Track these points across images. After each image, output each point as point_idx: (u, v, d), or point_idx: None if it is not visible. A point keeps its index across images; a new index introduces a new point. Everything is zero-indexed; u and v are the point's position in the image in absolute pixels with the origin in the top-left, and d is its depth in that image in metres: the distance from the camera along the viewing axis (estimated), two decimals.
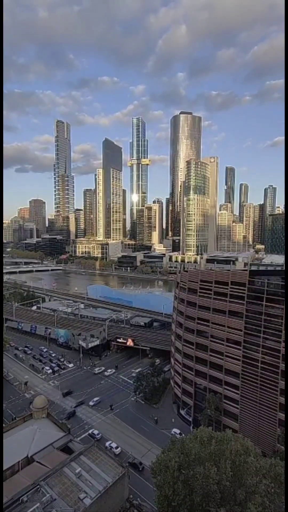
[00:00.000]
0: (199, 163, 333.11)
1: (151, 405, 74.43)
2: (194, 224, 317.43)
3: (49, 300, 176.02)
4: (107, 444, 59.80)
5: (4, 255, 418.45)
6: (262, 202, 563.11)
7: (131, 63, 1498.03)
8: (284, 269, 73.84)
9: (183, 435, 59.29)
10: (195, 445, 37.80)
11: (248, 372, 57.78)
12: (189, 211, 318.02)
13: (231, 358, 60.61)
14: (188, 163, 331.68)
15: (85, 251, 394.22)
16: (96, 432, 63.92)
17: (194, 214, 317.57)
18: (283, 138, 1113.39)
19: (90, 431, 64.37)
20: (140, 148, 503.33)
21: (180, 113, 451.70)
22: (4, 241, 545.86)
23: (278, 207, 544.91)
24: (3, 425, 61.17)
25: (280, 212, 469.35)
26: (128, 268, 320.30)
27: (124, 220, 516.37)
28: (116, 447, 59.24)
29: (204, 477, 34.11)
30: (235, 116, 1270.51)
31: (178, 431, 64.26)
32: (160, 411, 72.61)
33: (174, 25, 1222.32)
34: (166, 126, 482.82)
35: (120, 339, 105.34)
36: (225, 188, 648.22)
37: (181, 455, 37.61)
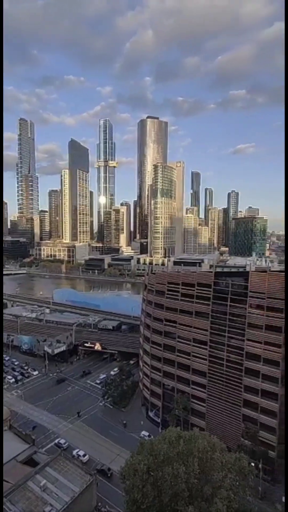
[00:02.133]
0: (166, 167, 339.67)
1: (120, 409, 73.75)
2: (161, 226, 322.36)
3: (12, 306, 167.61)
4: (74, 452, 58.02)
5: None
6: (225, 206, 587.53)
7: (98, 64, 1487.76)
8: (245, 270, 77.42)
9: (152, 437, 59.46)
10: (163, 446, 38.05)
11: (214, 371, 59.65)
12: (156, 214, 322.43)
13: (198, 358, 62.17)
14: (155, 166, 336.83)
15: (51, 254, 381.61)
16: (62, 441, 61.76)
17: (162, 217, 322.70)
18: (244, 146, 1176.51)
19: (56, 441, 62.07)
20: (108, 150, 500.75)
21: (147, 118, 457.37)
22: None
23: (241, 211, 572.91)
24: None
25: (243, 216, 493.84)
26: (96, 271, 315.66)
27: (92, 222, 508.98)
28: (84, 455, 57.70)
29: (173, 477, 34.44)
30: (200, 122, 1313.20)
31: (147, 433, 64.25)
32: (129, 414, 72.16)
33: (141, 29, 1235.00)
34: (133, 129, 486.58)
35: (87, 343, 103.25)
36: (191, 192, 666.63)
37: (150, 457, 37.61)
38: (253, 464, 42.90)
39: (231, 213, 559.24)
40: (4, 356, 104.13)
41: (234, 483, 35.28)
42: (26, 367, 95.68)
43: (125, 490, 37.31)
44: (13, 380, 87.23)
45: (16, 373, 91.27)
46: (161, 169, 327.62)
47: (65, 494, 38.85)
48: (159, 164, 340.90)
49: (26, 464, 47.04)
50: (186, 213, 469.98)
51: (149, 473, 36.38)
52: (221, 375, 58.63)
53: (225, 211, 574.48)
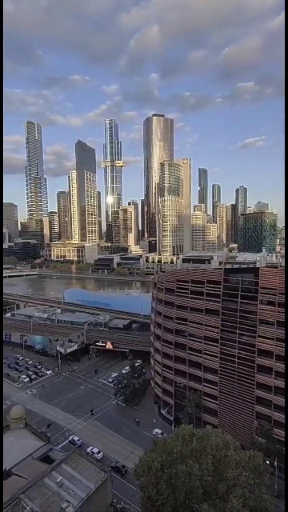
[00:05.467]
0: (172, 165, 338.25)
1: (132, 407, 74.26)
2: (169, 225, 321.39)
3: (24, 307, 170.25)
4: (88, 450, 58.84)
5: None
6: (234, 203, 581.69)
7: (102, 62, 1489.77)
8: (255, 266, 76.58)
9: (165, 434, 59.76)
10: (177, 443, 38.22)
11: (225, 368, 59.39)
12: (164, 212, 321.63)
13: (209, 356, 61.99)
14: (162, 164, 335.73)
15: (61, 254, 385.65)
16: (76, 438, 62.70)
17: (169, 215, 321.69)
18: (253, 139, 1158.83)
19: (70, 438, 63.09)
20: (114, 150, 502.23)
21: (152, 116, 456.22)
22: None
23: (250, 207, 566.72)
24: None
25: (252, 211, 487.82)
26: (105, 270, 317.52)
27: (100, 222, 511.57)
28: (98, 452, 58.46)
29: (187, 474, 34.58)
30: (208, 117, 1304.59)
31: (160, 431, 64.58)
32: (141, 412, 72.60)
33: (146, 24, 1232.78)
34: (140, 127, 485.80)
35: (99, 342, 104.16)
36: (199, 189, 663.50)
37: (163, 454, 37.85)
38: (268, 462, 42.64)
39: (239, 209, 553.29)
40: (18, 355, 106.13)
41: (249, 481, 35.11)
42: (39, 367, 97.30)
43: (140, 487, 37.68)
44: (28, 379, 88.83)
45: (30, 373, 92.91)
46: (167, 167, 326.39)
47: (81, 491, 39.45)
48: (165, 162, 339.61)
49: (42, 461, 47.95)
50: (194, 211, 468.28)
51: (163, 470, 36.62)
52: (233, 372, 58.35)
53: (234, 207, 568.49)
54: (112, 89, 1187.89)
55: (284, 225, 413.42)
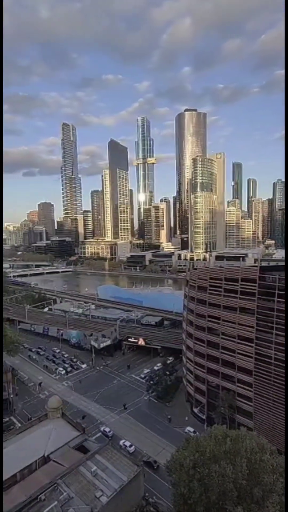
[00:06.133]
0: (205, 160, 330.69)
1: (164, 404, 74.54)
2: (202, 221, 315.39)
3: (60, 302, 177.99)
4: (121, 442, 60.25)
5: (15, 258, 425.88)
6: (271, 197, 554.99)
7: (135, 59, 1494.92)
8: None
9: (197, 433, 59.20)
10: (209, 443, 37.71)
11: (261, 369, 57.23)
12: (196, 208, 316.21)
13: (243, 356, 60.14)
14: (194, 160, 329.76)
15: (94, 252, 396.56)
16: (107, 429, 64.88)
17: (202, 211, 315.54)
18: None
19: (102, 429, 65.47)
20: (146, 147, 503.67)
21: (184, 111, 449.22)
22: (15, 244, 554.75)
23: None
24: (20, 425, 62.35)
25: None
26: (137, 267, 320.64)
27: (132, 220, 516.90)
28: (130, 446, 59.61)
29: (220, 475, 34.01)
30: (243, 109, 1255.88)
31: (192, 429, 64.17)
32: (173, 409, 72.65)
33: (179, 18, 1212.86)
34: (172, 123, 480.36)
35: (131, 338, 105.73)
36: (233, 184, 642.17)
37: (195, 453, 37.55)
38: None
39: (277, 204, 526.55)
40: (55, 348, 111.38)
41: None
42: (75, 360, 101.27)
43: (172, 484, 37.79)
44: (64, 371, 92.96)
45: (66, 365, 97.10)
46: (200, 163, 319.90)
47: (114, 482, 40.55)
48: (198, 158, 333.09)
49: (77, 450, 49.99)
50: (228, 206, 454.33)
51: (195, 469, 36.36)
52: (269, 374, 56.03)
53: (271, 202, 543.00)
54: (145, 86, 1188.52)
55: None
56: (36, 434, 54.03)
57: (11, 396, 75.79)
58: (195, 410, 70.26)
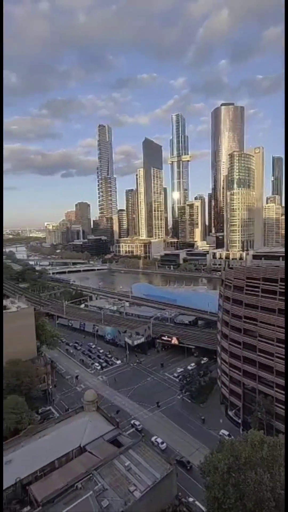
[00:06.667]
0: (242, 155, 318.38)
1: (198, 404, 73.50)
2: (238, 219, 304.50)
3: (96, 299, 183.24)
4: (152, 439, 60.69)
5: (53, 256, 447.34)
6: None
7: (170, 56, 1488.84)
8: None
9: (232, 437, 57.56)
10: (245, 448, 36.54)
11: None
12: (232, 206, 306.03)
13: (282, 359, 57.16)
14: (231, 156, 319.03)
15: (129, 250, 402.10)
16: (137, 423, 66.33)
17: (238, 208, 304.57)
18: None
19: (132, 422, 67.09)
20: (180, 145, 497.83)
21: (221, 105, 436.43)
22: (54, 243, 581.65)
23: None
24: (58, 415, 65.41)
25: None
26: (171, 266, 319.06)
27: (166, 218, 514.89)
28: (162, 443, 59.77)
29: (256, 482, 32.83)
30: (282, 99, 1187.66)
31: (226, 432, 62.55)
32: (207, 410, 71.38)
33: (215, 10, 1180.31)
34: (208, 119, 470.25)
35: (164, 337, 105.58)
36: (272, 179, 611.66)
37: (230, 457, 36.61)
38: None
39: None
40: (90, 343, 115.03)
41: None
42: (109, 356, 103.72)
43: (206, 486, 37.22)
44: (99, 366, 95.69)
45: (101, 361, 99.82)
46: (237, 158, 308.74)
47: (147, 478, 40.97)
48: (235, 153, 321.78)
49: (111, 443, 51.29)
50: (267, 203, 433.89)
51: (230, 474, 35.46)
52: None
53: None
54: (180, 83, 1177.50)
55: None
56: (73, 425, 56.42)
57: (50, 387, 79.87)
58: (230, 413, 68.32)
